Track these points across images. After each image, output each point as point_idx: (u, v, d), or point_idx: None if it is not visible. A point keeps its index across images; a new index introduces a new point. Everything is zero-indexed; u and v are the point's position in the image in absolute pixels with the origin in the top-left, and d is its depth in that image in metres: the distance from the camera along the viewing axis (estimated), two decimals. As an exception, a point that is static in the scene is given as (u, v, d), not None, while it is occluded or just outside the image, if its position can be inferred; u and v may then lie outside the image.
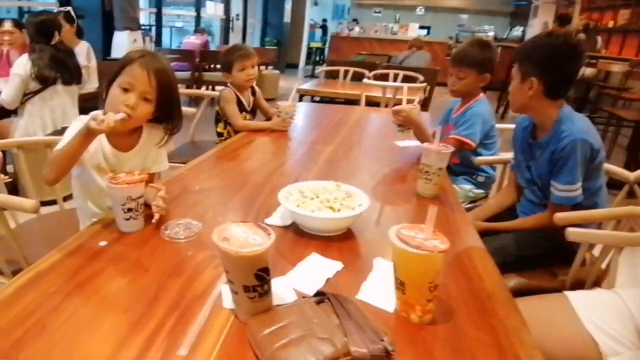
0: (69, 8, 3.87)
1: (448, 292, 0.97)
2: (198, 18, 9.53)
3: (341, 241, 1.19)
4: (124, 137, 1.39)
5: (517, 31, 12.26)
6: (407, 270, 0.86)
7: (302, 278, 1.01)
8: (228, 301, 0.90)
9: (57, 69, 2.99)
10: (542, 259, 1.60)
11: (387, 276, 0.94)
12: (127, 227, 1.17)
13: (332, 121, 2.75)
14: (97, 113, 1.18)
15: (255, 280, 0.81)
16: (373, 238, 1.24)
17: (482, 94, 2.20)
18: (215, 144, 2.47)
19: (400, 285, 0.88)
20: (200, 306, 0.89)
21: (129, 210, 1.15)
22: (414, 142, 2.14)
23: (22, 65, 2.87)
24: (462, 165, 2.25)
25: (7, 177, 2.98)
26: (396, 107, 2.01)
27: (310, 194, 1.27)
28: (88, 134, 1.18)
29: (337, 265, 1.06)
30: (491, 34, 12.29)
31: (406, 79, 4.55)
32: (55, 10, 3.97)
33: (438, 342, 0.84)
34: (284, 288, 0.95)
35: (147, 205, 1.24)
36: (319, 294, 0.90)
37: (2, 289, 0.91)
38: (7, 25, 3.42)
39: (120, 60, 1.32)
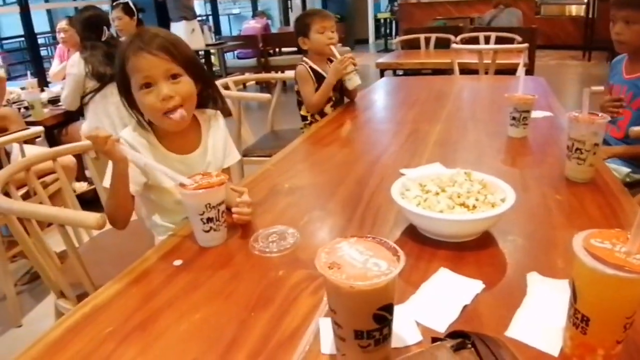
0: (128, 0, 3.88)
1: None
2: (255, 2, 9.51)
3: (478, 250, 0.96)
4: (184, 137, 1.24)
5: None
6: (599, 301, 0.63)
7: (428, 307, 0.80)
8: (328, 344, 0.72)
9: (113, 64, 2.98)
10: None
11: (548, 301, 0.78)
12: (207, 241, 1.03)
13: (431, 95, 2.52)
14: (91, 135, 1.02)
15: (374, 322, 0.61)
16: (521, 244, 1.00)
17: None
18: (301, 130, 2.33)
19: (580, 321, 0.65)
20: (290, 352, 0.72)
21: (209, 220, 1.00)
22: (543, 112, 1.82)
23: (75, 64, 2.91)
24: (624, 139, 1.89)
25: (86, 183, 3.05)
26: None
27: (433, 187, 1.03)
28: (115, 167, 1.06)
29: (476, 286, 0.84)
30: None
31: (499, 42, 4.18)
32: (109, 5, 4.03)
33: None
34: (404, 323, 0.75)
35: (230, 211, 1.09)
36: (456, 334, 0.66)
37: (47, 332, 0.79)
38: (62, 24, 3.50)
39: (116, 63, 1.17)
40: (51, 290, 1.38)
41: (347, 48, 7.86)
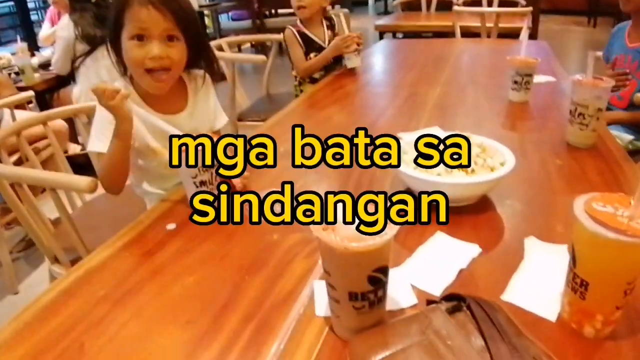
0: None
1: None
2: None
3: (475, 214, 0.96)
4: (169, 98, 1.20)
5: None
6: (599, 265, 0.63)
7: (424, 270, 0.80)
8: (322, 307, 0.72)
9: (104, 26, 2.89)
10: None
11: (545, 265, 0.78)
12: (200, 205, 1.01)
13: (430, 58, 2.49)
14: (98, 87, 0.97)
15: (368, 284, 0.61)
16: (520, 209, 1.00)
17: None
18: (295, 95, 2.31)
19: (579, 286, 0.65)
20: (284, 314, 0.73)
21: (202, 183, 0.99)
22: (546, 77, 1.80)
23: (65, 27, 2.84)
24: (626, 109, 1.87)
25: (79, 146, 3.03)
26: None
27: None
28: (120, 125, 1.01)
29: (473, 250, 0.84)
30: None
31: (503, 5, 4.13)
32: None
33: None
34: (399, 286, 0.75)
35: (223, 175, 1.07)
36: (452, 297, 0.67)
37: (40, 296, 0.80)
38: (51, -15, 3.41)
39: (113, 4, 1.10)
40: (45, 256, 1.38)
41: (346, 10, 7.70)
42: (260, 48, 6.29)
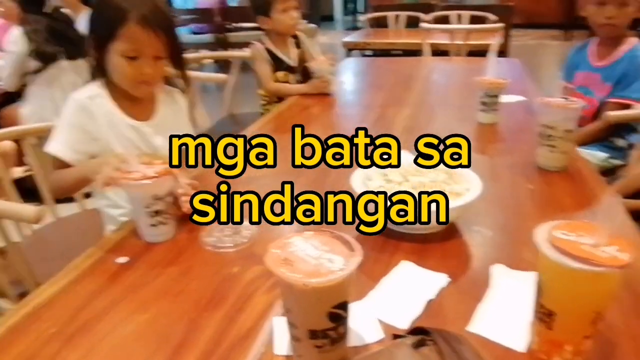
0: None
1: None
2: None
3: (442, 241, 0.98)
4: (139, 104, 1.28)
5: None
6: (564, 296, 0.64)
7: (390, 303, 0.82)
8: (282, 345, 0.72)
9: (58, 42, 2.85)
10: None
11: (513, 294, 0.80)
12: (154, 236, 1.02)
13: (400, 78, 2.54)
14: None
15: (329, 321, 0.62)
16: (486, 236, 1.03)
17: (634, 38, 1.90)
18: (260, 115, 2.32)
19: (545, 316, 0.66)
20: (244, 353, 0.73)
21: (156, 213, 0.98)
22: (516, 97, 1.88)
23: (16, 41, 2.76)
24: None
25: (25, 168, 2.94)
26: None
27: (397, 176, 1.04)
28: (91, 178, 1.05)
29: (441, 279, 0.86)
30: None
31: (473, 21, 4.24)
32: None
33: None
34: (364, 320, 0.76)
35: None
36: (417, 330, 0.68)
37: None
38: (-1, -5, 3.34)
39: (108, 15, 1.16)
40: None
41: (314, 25, 7.78)
42: (223, 64, 6.29)
